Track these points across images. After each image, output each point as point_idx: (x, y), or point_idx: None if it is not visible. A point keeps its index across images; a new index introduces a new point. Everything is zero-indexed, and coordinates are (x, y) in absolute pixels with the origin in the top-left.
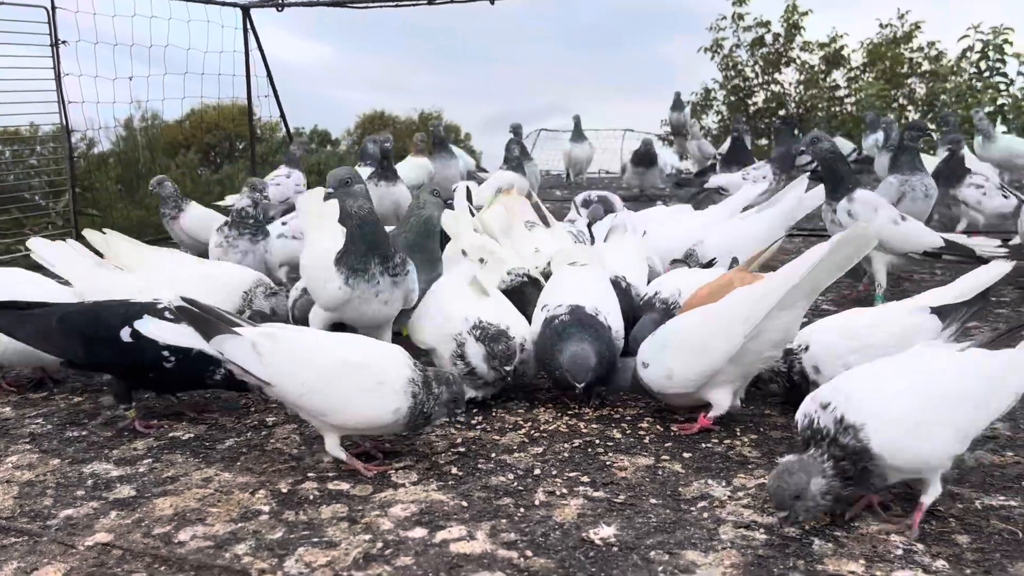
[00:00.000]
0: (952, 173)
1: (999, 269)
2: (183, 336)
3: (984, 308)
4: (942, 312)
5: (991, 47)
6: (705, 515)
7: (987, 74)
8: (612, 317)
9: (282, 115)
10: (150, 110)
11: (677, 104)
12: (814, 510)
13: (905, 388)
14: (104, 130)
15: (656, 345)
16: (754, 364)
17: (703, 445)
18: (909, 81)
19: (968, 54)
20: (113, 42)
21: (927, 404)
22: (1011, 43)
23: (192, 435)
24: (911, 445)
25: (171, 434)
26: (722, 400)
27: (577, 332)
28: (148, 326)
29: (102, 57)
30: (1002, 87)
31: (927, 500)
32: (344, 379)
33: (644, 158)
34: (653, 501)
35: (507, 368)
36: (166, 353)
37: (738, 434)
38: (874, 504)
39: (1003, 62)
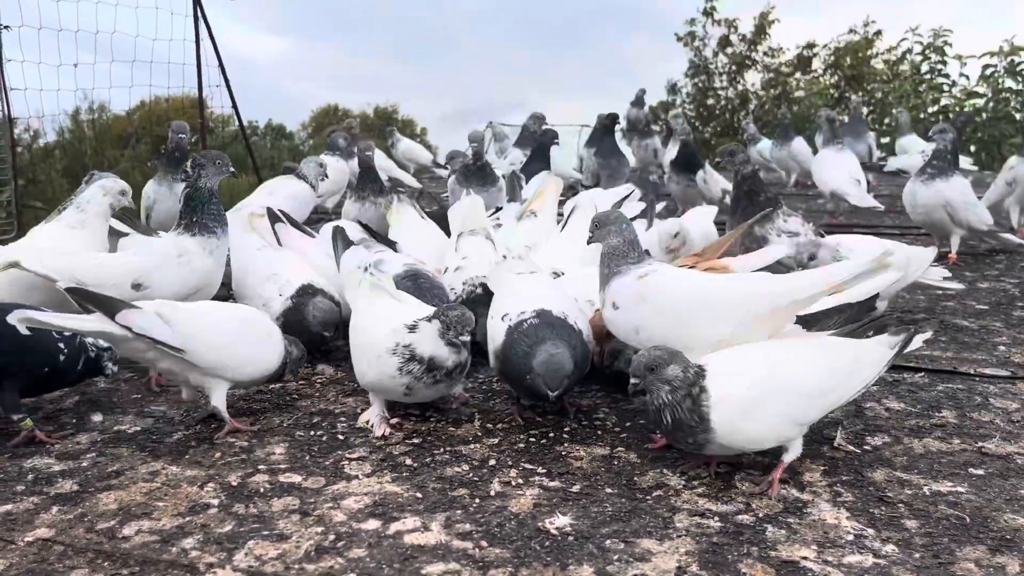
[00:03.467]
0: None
1: (889, 277)
2: (69, 321)
3: (870, 311)
4: (808, 322)
5: (931, 49)
6: (660, 504)
7: (928, 76)
8: (580, 320)
9: (234, 105)
10: (96, 100)
11: (638, 101)
12: (656, 397)
13: (751, 373)
14: (48, 119)
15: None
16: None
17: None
18: (869, 86)
19: (908, 56)
20: (58, 27)
21: (764, 390)
22: (951, 45)
23: (139, 429)
24: (744, 427)
25: (116, 428)
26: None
27: (550, 335)
28: (26, 315)
29: (46, 43)
30: (944, 88)
31: (787, 459)
32: (246, 334)
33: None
34: (609, 491)
35: (464, 337)
36: (61, 345)
37: None
38: (711, 467)
39: (944, 63)
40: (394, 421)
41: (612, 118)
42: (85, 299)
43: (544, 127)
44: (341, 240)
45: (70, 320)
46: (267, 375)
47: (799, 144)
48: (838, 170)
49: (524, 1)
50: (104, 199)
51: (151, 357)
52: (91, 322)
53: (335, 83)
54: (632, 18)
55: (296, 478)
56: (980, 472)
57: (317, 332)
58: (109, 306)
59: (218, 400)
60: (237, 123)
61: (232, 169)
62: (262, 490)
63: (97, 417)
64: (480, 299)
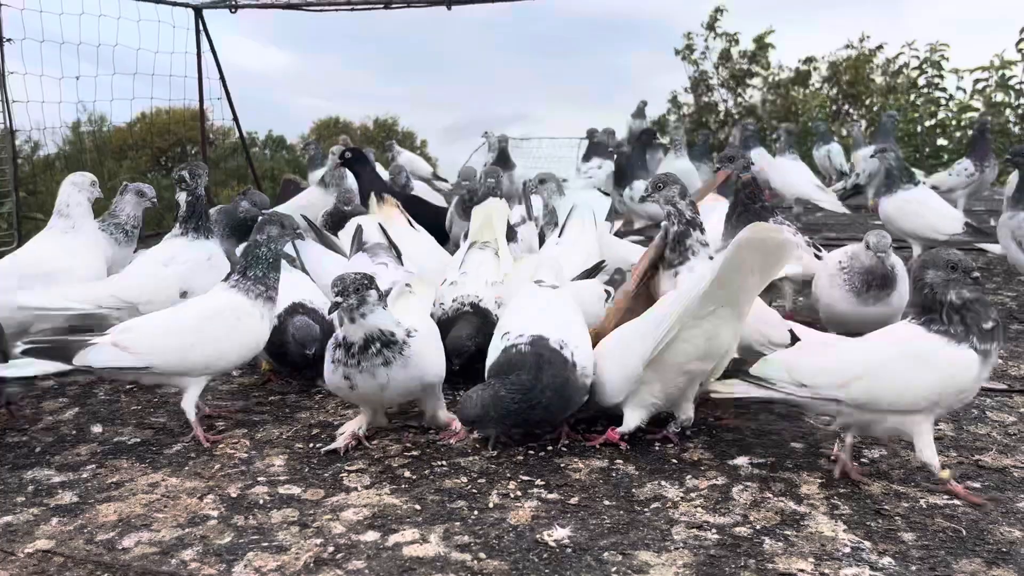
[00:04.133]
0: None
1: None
2: (34, 368)
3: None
4: None
5: (928, 63)
6: (658, 516)
7: (926, 90)
8: (580, 352)
9: (235, 118)
10: (97, 112)
11: (639, 113)
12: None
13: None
14: (49, 131)
15: (598, 355)
16: (676, 376)
17: (657, 448)
18: (867, 101)
19: (905, 71)
20: (60, 40)
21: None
22: (947, 59)
23: (138, 440)
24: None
25: (116, 439)
26: (631, 420)
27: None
28: None
29: (48, 56)
30: (942, 102)
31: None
32: (209, 330)
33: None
34: (607, 503)
35: (342, 299)
36: None
37: (690, 436)
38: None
39: (941, 78)
40: (380, 438)
41: (650, 134)
42: (40, 355)
43: (643, 127)
44: (356, 243)
45: (36, 367)
46: (246, 359)
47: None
48: (797, 175)
49: (524, 15)
50: (81, 195)
51: (127, 376)
52: (55, 366)
53: (337, 96)
54: (633, 32)
55: (295, 490)
56: (977, 485)
57: (296, 351)
58: (65, 353)
59: (187, 402)
60: (238, 135)
61: (300, 232)
62: (261, 502)
63: (97, 428)
64: (466, 316)
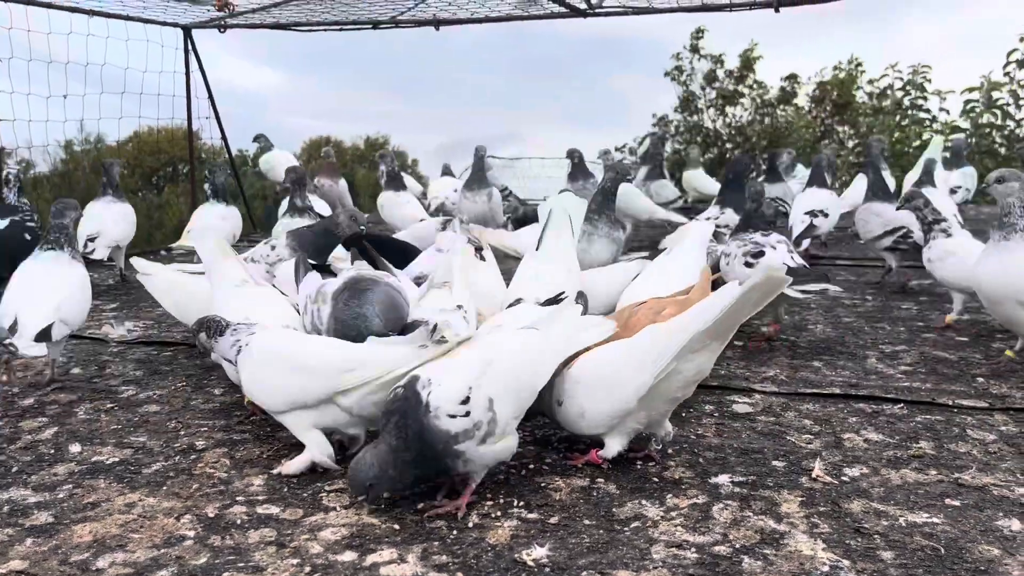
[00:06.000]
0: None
1: None
2: None
3: None
4: None
5: (911, 85)
6: (638, 535)
7: (910, 111)
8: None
9: (223, 137)
10: (90, 132)
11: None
12: None
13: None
14: (39, 149)
15: (570, 382)
16: (663, 405)
17: (638, 466)
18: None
19: (888, 92)
20: (48, 59)
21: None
22: (930, 80)
23: (117, 459)
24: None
25: (94, 459)
26: (614, 446)
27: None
28: None
29: (36, 75)
30: (926, 123)
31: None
32: None
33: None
34: (587, 522)
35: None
36: None
37: (671, 455)
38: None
39: (924, 99)
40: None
41: (744, 163)
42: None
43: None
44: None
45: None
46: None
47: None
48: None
49: (516, 37)
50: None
51: None
52: None
53: (328, 114)
54: (626, 53)
55: (274, 509)
56: (956, 503)
57: None
58: None
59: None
60: (227, 154)
61: (363, 227)
62: (239, 522)
63: (75, 448)
64: None
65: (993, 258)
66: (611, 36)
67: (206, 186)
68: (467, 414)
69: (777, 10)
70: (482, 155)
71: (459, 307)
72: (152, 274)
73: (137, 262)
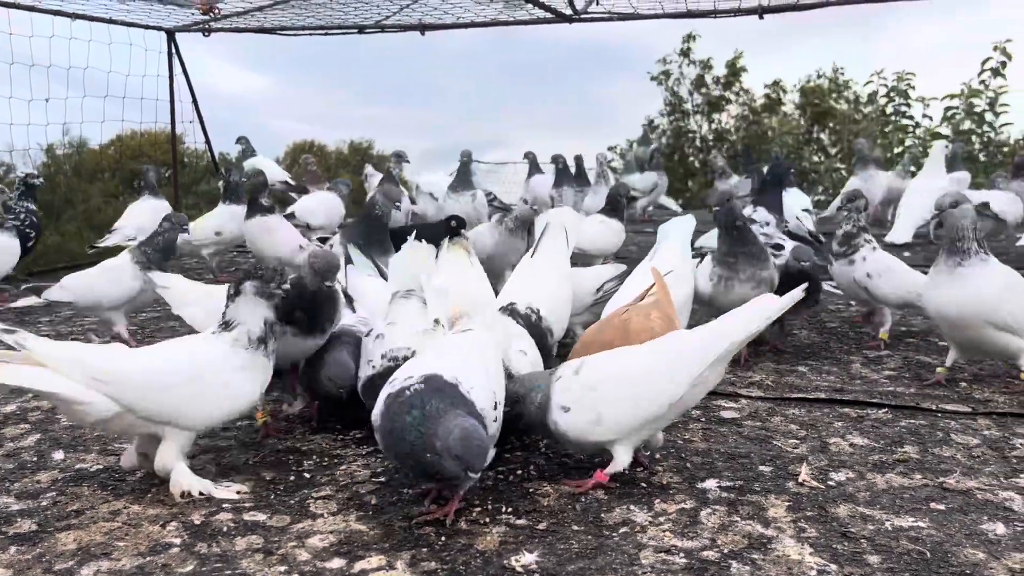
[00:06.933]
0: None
1: None
2: None
3: None
4: None
5: (895, 92)
6: (626, 541)
7: (894, 117)
8: (478, 392)
9: (207, 140)
10: (74, 135)
11: (645, 139)
12: None
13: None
14: (20, 153)
15: (581, 387)
16: (675, 417)
17: (626, 472)
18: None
19: (874, 99)
20: (30, 63)
21: None
22: (914, 87)
23: (101, 467)
24: None
25: (78, 466)
26: (624, 458)
27: (445, 407)
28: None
29: (18, 78)
30: (909, 129)
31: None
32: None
33: None
34: (575, 528)
35: None
36: None
37: (659, 460)
38: None
39: (908, 106)
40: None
41: (785, 167)
42: None
43: (777, 159)
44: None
45: None
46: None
47: None
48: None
49: (502, 43)
50: None
51: None
52: None
53: (313, 119)
54: (613, 58)
55: (261, 516)
56: (941, 507)
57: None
58: None
59: None
60: (210, 158)
61: (398, 204)
62: (225, 529)
63: (59, 455)
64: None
65: (955, 284)
66: (597, 42)
67: (220, 184)
68: None
69: (761, 17)
70: (467, 160)
71: (436, 321)
72: (170, 287)
73: (156, 276)
